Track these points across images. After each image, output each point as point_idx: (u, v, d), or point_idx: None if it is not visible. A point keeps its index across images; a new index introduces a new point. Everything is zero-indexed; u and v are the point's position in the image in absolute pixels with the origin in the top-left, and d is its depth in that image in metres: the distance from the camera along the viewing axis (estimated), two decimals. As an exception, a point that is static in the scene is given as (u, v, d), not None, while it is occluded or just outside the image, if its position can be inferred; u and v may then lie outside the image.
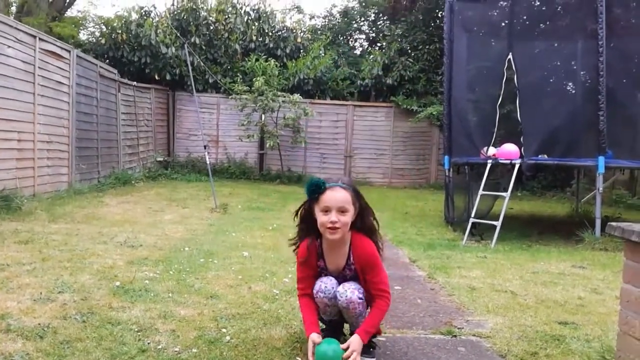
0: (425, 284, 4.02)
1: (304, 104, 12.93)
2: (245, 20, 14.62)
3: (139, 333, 2.57)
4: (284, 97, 12.58)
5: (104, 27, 13.54)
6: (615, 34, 6.93)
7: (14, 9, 15.84)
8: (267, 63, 13.16)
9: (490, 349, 2.62)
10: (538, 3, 8.11)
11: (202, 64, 13.04)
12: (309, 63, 13.89)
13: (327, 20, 18.98)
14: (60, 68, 8.49)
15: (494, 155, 6.89)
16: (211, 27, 13.89)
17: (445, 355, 2.52)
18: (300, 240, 2.48)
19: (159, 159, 13.03)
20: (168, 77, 13.31)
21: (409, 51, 14.30)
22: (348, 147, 14.07)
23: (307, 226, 2.44)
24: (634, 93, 7.39)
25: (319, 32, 17.03)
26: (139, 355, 2.32)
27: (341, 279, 2.45)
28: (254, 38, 14.32)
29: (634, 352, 2.04)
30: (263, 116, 13.00)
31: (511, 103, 7.25)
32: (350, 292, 2.34)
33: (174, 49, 13.02)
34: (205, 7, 14.03)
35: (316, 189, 2.31)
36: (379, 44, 16.90)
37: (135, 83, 12.11)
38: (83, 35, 15.94)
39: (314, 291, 2.42)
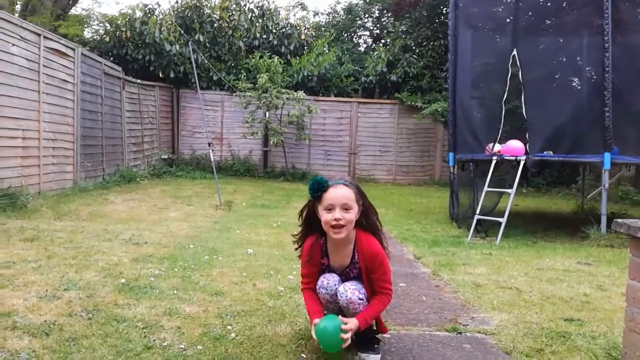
0: (430, 280, 4.01)
1: (308, 101, 12.94)
2: (249, 17, 14.61)
3: (144, 330, 2.58)
4: (288, 94, 12.59)
5: (108, 25, 13.54)
6: (621, 30, 6.88)
7: (18, 7, 15.88)
8: (271, 60, 13.15)
9: (496, 346, 2.62)
10: (543, -2, 8.06)
11: (206, 61, 13.05)
12: (313, 60, 13.87)
13: (331, 17, 18.95)
14: (64, 66, 8.51)
15: (499, 151, 6.86)
16: (215, 25, 13.88)
17: (450, 352, 2.52)
18: (303, 240, 2.48)
19: (163, 157, 13.05)
20: (172, 74, 13.32)
21: (413, 48, 14.27)
22: (352, 144, 14.05)
23: (311, 226, 2.43)
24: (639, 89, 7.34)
25: (323, 29, 17.00)
26: (145, 352, 2.32)
27: (344, 277, 2.45)
28: (258, 35, 14.31)
29: (641, 349, 2.03)
30: (267, 113, 12.99)
31: (516, 99, 7.21)
32: (350, 292, 2.33)
33: (178, 47, 13.02)
34: (209, 5, 14.01)
35: (319, 187, 2.30)
36: (383, 41, 16.84)
37: (139, 81, 12.13)
38: (87, 33, 15.97)
39: (317, 286, 2.43)
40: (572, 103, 7.17)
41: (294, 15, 17.74)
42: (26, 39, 7.33)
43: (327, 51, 14.66)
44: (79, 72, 9.01)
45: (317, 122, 13.83)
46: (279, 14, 15.36)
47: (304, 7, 18.66)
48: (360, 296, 2.33)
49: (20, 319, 2.63)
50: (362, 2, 18.63)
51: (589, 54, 7.42)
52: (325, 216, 2.29)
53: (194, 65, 9.39)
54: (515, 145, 6.80)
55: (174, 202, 8.04)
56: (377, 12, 18.43)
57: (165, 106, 13.57)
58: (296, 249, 2.54)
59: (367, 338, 2.43)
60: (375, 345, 2.43)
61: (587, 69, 7.84)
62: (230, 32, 13.99)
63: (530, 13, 7.65)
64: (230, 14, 14.13)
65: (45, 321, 2.61)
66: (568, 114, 6.81)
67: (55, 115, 8.18)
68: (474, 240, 6.18)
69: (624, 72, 6.65)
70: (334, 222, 2.27)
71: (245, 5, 14.76)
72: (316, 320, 2.27)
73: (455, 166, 7.76)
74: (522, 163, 6.46)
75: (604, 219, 6.17)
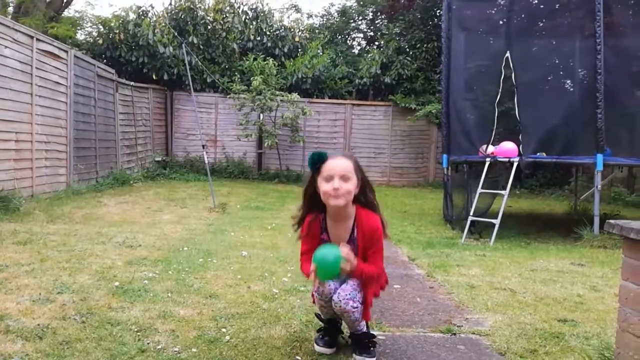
0: (424, 282, 4.02)
1: (302, 103, 12.94)
2: (243, 19, 14.61)
3: (138, 333, 2.57)
4: (282, 96, 12.58)
5: (101, 27, 13.50)
6: (613, 33, 6.94)
7: (11, 9, 15.81)
8: (265, 62, 13.15)
9: (490, 347, 2.62)
10: (536, 1, 8.11)
11: (200, 63, 13.03)
12: (307, 62, 13.89)
13: (325, 19, 19.00)
14: (57, 68, 8.47)
15: (492, 153, 6.89)
16: (209, 27, 13.87)
17: (444, 354, 2.53)
18: (303, 217, 2.48)
19: (157, 159, 13.01)
20: (166, 76, 13.29)
21: (407, 50, 14.30)
22: (346, 146, 14.06)
23: (312, 205, 2.43)
24: (631, 91, 7.40)
25: (317, 31, 17.04)
26: (139, 356, 2.31)
27: None
28: (252, 37, 14.32)
29: (633, 349, 2.04)
30: (261, 115, 12.99)
31: (509, 101, 7.25)
32: (344, 302, 2.31)
33: (171, 49, 12.99)
34: (202, 7, 14.01)
35: (319, 159, 2.31)
36: (377, 43, 16.91)
37: (133, 83, 12.09)
38: (80, 35, 15.93)
39: (313, 290, 2.43)
40: (565, 105, 7.22)
41: (288, 17, 17.71)
42: (19, 41, 7.29)
43: (321, 53, 14.69)
44: (72, 75, 8.97)
45: (311, 124, 13.84)
46: (273, 16, 15.39)
47: (297, 10, 18.75)
48: (354, 305, 2.32)
49: (13, 323, 2.61)
50: (356, 4, 18.69)
51: (582, 56, 7.49)
52: (324, 187, 2.29)
53: (188, 68, 9.37)
54: (508, 147, 6.83)
55: (168, 205, 8.01)
56: (370, 14, 18.50)
57: (158, 108, 13.53)
58: (295, 231, 2.53)
59: (363, 341, 2.42)
60: (371, 348, 2.43)
61: (580, 71, 7.90)
62: (224, 34, 13.98)
63: (523, 15, 7.69)
64: (224, 16, 14.13)
65: (38, 325, 2.59)
66: (561, 115, 6.85)
67: (48, 118, 8.14)
68: (467, 242, 6.20)
69: (616, 74, 6.70)
70: (332, 192, 2.27)
71: (239, 7, 14.78)
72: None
73: (449, 168, 7.79)
74: (515, 164, 6.49)
75: (596, 220, 6.20)
